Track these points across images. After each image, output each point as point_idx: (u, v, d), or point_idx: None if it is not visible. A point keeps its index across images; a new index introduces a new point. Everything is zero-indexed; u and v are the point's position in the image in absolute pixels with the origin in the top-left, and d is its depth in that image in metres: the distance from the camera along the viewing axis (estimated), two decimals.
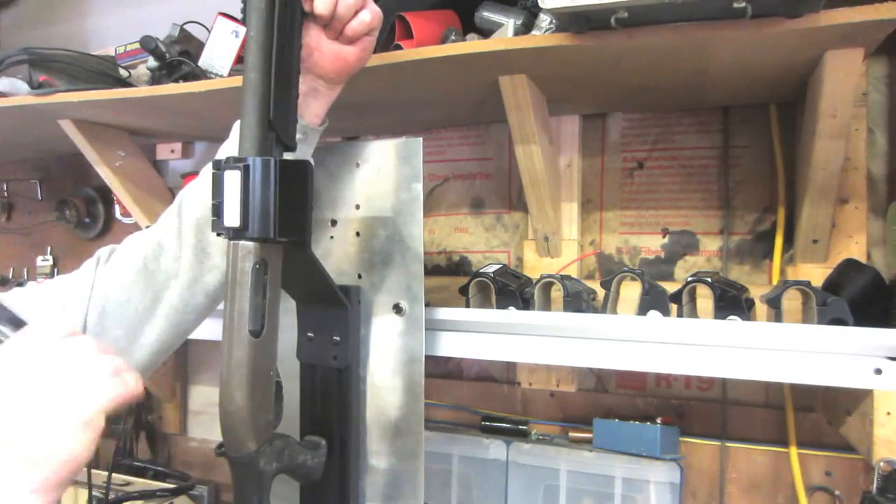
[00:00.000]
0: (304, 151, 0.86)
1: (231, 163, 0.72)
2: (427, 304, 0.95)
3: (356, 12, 0.80)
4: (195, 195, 0.86)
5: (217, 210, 0.72)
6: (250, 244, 0.72)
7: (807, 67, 1.00)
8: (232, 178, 0.71)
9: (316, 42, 0.82)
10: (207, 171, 0.80)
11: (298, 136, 0.84)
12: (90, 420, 0.56)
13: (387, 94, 1.22)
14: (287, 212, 0.72)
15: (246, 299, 0.73)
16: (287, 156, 0.77)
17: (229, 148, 0.87)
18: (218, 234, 0.74)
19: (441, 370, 1.50)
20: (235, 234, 0.72)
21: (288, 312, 0.96)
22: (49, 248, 2.00)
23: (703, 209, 1.30)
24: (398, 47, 1.08)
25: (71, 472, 0.55)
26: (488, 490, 1.34)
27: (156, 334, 0.85)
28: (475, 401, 1.46)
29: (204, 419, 1.79)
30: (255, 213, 0.71)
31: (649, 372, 1.32)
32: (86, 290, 0.85)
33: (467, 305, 1.16)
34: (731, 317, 1.01)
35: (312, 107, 0.86)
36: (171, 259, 0.86)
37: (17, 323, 0.65)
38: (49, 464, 0.54)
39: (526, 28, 1.06)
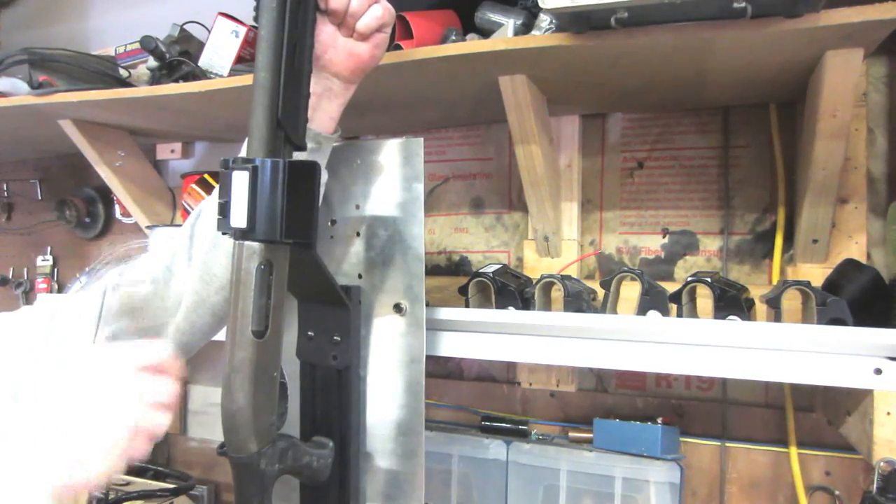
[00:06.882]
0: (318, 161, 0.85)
1: (239, 163, 0.71)
2: (427, 304, 0.95)
3: (368, 6, 0.80)
4: (210, 217, 0.84)
5: (223, 209, 0.72)
6: (256, 245, 0.72)
7: (807, 67, 1.00)
8: (240, 179, 0.71)
9: (331, 39, 0.82)
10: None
11: (312, 145, 0.83)
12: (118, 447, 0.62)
13: (387, 93, 1.22)
14: (294, 213, 0.72)
15: (250, 300, 0.72)
16: (296, 155, 0.76)
17: None
18: (223, 234, 0.73)
19: (441, 370, 1.50)
20: (241, 234, 0.72)
21: (288, 311, 0.96)
22: (49, 248, 2.00)
23: (703, 209, 1.30)
24: (398, 47, 1.08)
25: (86, 485, 0.62)
26: (488, 490, 1.33)
27: None
28: (475, 401, 1.46)
29: (204, 419, 1.79)
30: (263, 215, 0.70)
31: (649, 372, 1.32)
32: (93, 317, 0.82)
33: (467, 305, 1.16)
34: (731, 317, 1.01)
35: (326, 108, 0.85)
36: (180, 283, 0.85)
37: None
38: (76, 474, 0.61)
39: (526, 28, 1.06)
